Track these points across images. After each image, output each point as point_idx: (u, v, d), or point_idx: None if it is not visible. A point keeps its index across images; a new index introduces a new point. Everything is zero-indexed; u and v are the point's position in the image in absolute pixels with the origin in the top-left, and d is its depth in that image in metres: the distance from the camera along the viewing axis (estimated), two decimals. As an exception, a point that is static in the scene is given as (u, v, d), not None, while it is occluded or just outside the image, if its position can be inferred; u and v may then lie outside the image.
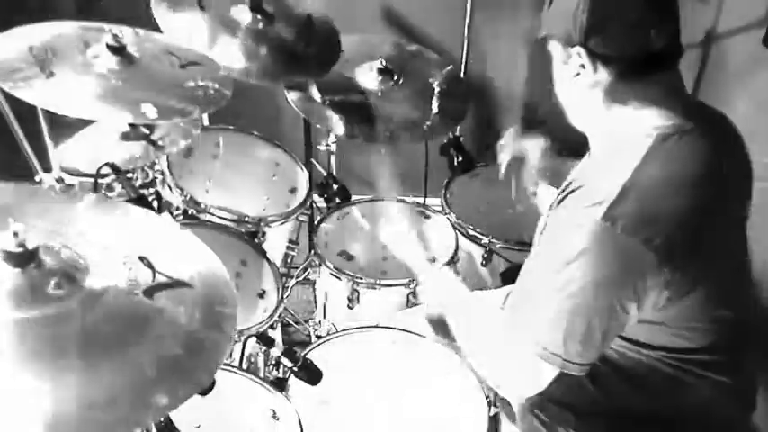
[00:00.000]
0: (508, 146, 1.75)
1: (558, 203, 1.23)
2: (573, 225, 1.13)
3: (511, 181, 1.74)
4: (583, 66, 1.17)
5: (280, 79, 1.97)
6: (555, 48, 1.21)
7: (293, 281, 2.29)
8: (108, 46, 1.53)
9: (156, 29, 1.74)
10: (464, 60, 2.41)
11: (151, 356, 0.92)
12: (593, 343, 1.13)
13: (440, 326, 1.51)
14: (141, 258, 1.02)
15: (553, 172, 1.69)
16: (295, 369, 1.41)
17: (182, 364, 0.93)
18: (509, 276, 2.00)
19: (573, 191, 1.19)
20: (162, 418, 1.27)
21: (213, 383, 1.23)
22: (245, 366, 1.75)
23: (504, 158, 1.74)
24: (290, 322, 2.41)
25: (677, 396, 1.26)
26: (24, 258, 0.92)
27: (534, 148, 1.71)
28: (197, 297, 1.02)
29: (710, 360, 1.23)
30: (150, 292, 0.99)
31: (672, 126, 1.16)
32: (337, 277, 1.90)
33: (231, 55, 1.81)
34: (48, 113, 1.73)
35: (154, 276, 1.00)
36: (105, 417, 0.84)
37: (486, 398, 1.44)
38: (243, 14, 1.88)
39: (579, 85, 1.19)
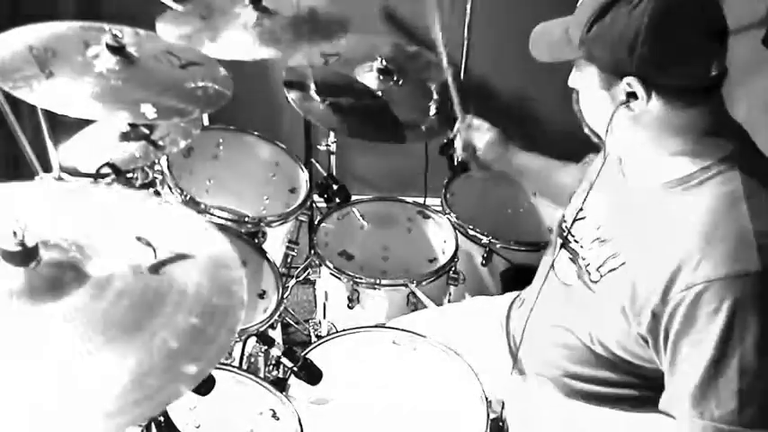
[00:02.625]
0: (459, 135, 1.81)
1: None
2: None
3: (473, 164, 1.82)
4: (633, 95, 1.13)
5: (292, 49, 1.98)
6: (590, 72, 1.18)
7: (293, 281, 2.29)
8: (108, 46, 1.53)
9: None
10: (464, 60, 2.41)
11: (170, 330, 0.94)
12: None
13: None
14: (138, 239, 1.03)
15: (499, 160, 1.77)
16: (295, 369, 1.41)
17: (202, 333, 0.95)
18: (509, 276, 2.00)
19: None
20: (162, 418, 1.27)
21: (213, 383, 1.22)
22: (245, 366, 1.75)
23: (458, 148, 1.82)
24: (290, 322, 2.41)
25: None
26: (25, 256, 0.93)
27: (481, 138, 1.77)
28: (201, 266, 1.04)
29: None
30: (155, 268, 1.00)
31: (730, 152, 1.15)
32: (337, 277, 1.90)
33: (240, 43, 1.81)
34: (48, 113, 1.73)
35: (155, 254, 1.01)
36: (138, 393, 0.86)
37: (486, 399, 1.44)
38: (244, 15, 1.88)
39: (624, 112, 1.16)
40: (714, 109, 1.18)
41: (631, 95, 1.14)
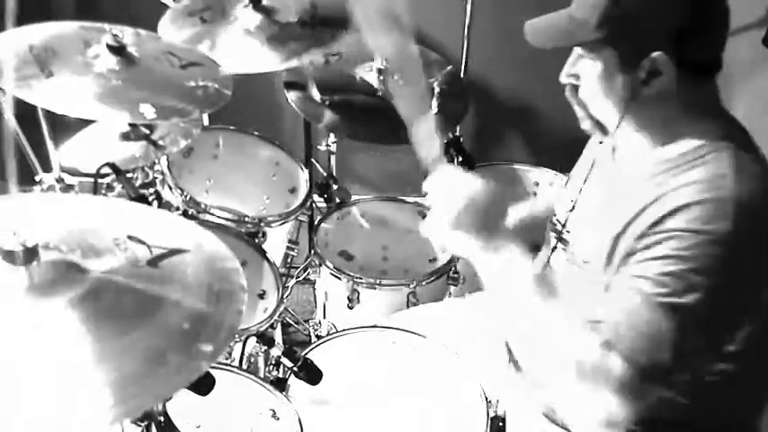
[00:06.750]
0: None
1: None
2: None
3: None
4: (653, 74, 1.12)
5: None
6: (605, 57, 1.15)
7: (293, 281, 2.29)
8: (108, 46, 1.53)
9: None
10: (464, 60, 2.41)
11: (179, 315, 0.97)
12: None
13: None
14: (130, 237, 1.05)
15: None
16: (295, 369, 1.41)
17: (208, 316, 0.99)
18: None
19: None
20: (162, 418, 1.27)
21: (213, 383, 1.22)
22: (245, 366, 1.75)
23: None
24: (290, 322, 2.41)
25: None
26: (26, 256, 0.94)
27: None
28: (197, 259, 1.07)
29: None
30: (154, 262, 1.03)
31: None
32: (337, 277, 1.90)
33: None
34: (48, 113, 1.73)
35: (150, 250, 1.03)
36: (161, 373, 0.89)
37: (486, 399, 1.44)
38: (245, 16, 1.88)
39: (643, 94, 1.14)
40: (711, 89, 1.19)
41: (652, 74, 1.12)
